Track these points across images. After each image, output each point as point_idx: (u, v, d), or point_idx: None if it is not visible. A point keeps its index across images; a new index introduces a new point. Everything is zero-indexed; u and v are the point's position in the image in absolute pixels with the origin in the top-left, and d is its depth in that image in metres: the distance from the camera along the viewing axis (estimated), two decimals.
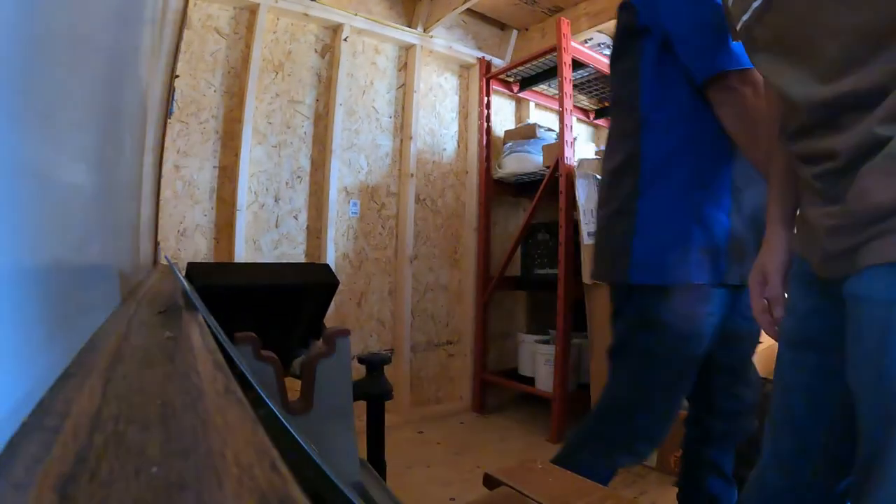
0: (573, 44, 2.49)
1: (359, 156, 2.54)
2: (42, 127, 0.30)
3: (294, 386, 1.12)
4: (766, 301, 0.77)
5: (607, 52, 2.88)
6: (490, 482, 0.79)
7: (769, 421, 0.76)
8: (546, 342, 2.60)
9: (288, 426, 0.38)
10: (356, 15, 2.45)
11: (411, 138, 2.66)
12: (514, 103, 3.16)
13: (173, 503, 0.17)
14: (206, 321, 0.48)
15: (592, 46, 2.78)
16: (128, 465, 0.20)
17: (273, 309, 1.21)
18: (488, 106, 2.90)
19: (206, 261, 2.08)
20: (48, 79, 0.30)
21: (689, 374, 1.05)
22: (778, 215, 0.78)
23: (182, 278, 0.71)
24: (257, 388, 0.44)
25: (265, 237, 2.26)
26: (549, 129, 2.78)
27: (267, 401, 0.40)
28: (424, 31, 2.68)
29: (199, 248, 2.11)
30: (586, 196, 2.24)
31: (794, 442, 0.71)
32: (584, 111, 3.42)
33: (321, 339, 1.08)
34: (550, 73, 2.79)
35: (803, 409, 0.70)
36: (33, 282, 0.28)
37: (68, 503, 0.18)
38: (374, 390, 1.32)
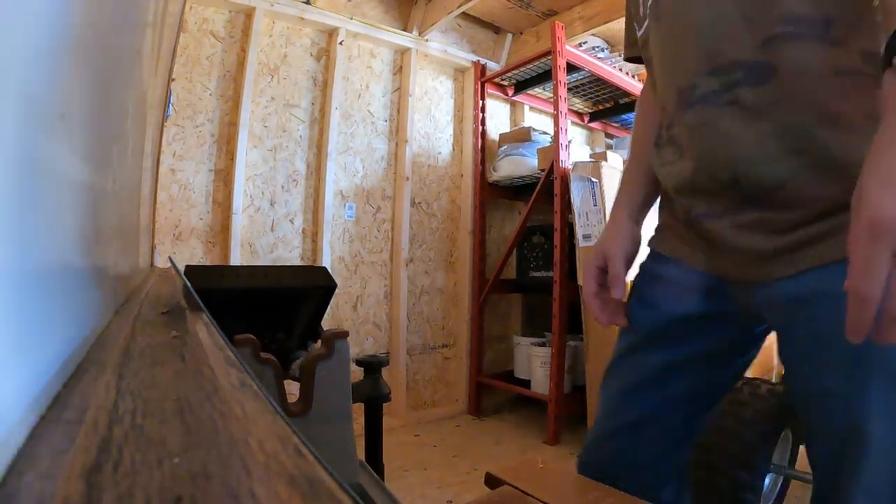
0: (568, 47, 2.51)
1: (354, 159, 2.55)
2: (53, 128, 0.31)
3: (293, 389, 1.12)
4: (598, 285, 0.78)
5: (602, 55, 2.91)
6: (492, 481, 0.80)
7: (608, 404, 0.78)
8: (542, 345, 2.61)
9: (290, 426, 0.38)
10: (352, 19, 2.46)
11: (406, 142, 2.67)
12: (508, 106, 3.18)
13: (200, 490, 0.17)
14: (210, 320, 0.48)
15: (587, 50, 2.80)
16: (150, 456, 0.21)
17: (271, 311, 1.21)
18: (483, 109, 2.91)
19: (203, 264, 2.08)
20: (54, 80, 0.31)
21: None
22: (626, 205, 0.81)
23: (185, 279, 0.71)
24: (260, 389, 0.44)
25: (261, 240, 2.26)
26: (544, 132, 2.80)
27: (271, 402, 0.41)
28: (419, 34, 2.69)
29: (195, 252, 2.10)
30: (581, 199, 2.26)
31: (636, 423, 0.74)
32: (579, 114, 3.45)
33: (319, 342, 1.08)
34: (545, 77, 2.81)
35: (650, 395, 0.73)
36: (48, 279, 0.28)
37: (95, 491, 0.18)
38: (372, 392, 1.32)
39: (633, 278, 0.81)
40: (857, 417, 0.54)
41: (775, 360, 2.81)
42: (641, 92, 0.86)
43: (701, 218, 0.65)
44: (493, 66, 3.01)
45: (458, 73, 2.99)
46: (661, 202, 0.79)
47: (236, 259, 2.14)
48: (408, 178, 2.67)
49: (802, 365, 0.61)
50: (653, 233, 0.81)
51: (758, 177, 0.57)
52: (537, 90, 3.09)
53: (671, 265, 0.74)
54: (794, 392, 0.63)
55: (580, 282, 2.23)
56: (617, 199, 0.84)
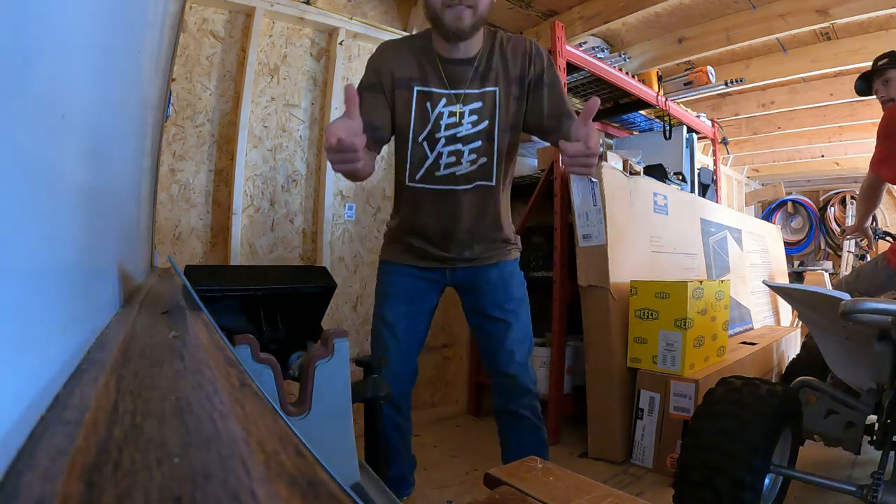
0: (568, 47, 2.50)
1: None
2: (53, 128, 0.31)
3: (292, 389, 1.12)
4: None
5: (602, 55, 2.91)
6: (491, 481, 0.80)
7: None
8: (541, 345, 2.60)
9: (290, 426, 0.38)
10: (351, 19, 2.46)
11: None
12: None
13: (200, 490, 0.17)
14: (210, 320, 0.48)
15: (587, 50, 2.80)
16: (149, 456, 0.21)
17: (271, 312, 1.21)
18: None
19: (203, 264, 2.08)
20: (54, 80, 0.31)
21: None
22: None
23: (185, 279, 0.71)
24: (260, 389, 0.44)
25: (261, 241, 2.26)
26: None
27: (271, 402, 0.41)
28: None
29: (195, 252, 2.10)
30: (581, 199, 2.26)
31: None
32: (579, 114, 3.44)
33: (319, 342, 1.08)
34: None
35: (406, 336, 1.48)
36: (48, 279, 0.28)
37: (95, 491, 0.18)
38: (372, 392, 1.32)
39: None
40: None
41: (775, 360, 2.81)
42: None
43: None
44: None
45: None
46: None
47: (236, 259, 2.13)
48: None
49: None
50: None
51: None
52: None
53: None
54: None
55: (580, 282, 2.23)
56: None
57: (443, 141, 1.32)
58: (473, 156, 1.34)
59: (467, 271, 1.47)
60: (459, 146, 1.33)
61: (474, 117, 1.32)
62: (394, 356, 1.43)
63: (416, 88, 1.31)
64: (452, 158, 1.33)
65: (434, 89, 1.31)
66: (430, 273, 1.47)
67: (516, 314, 1.47)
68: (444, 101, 1.31)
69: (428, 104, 1.31)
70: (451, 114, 1.31)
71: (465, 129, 1.32)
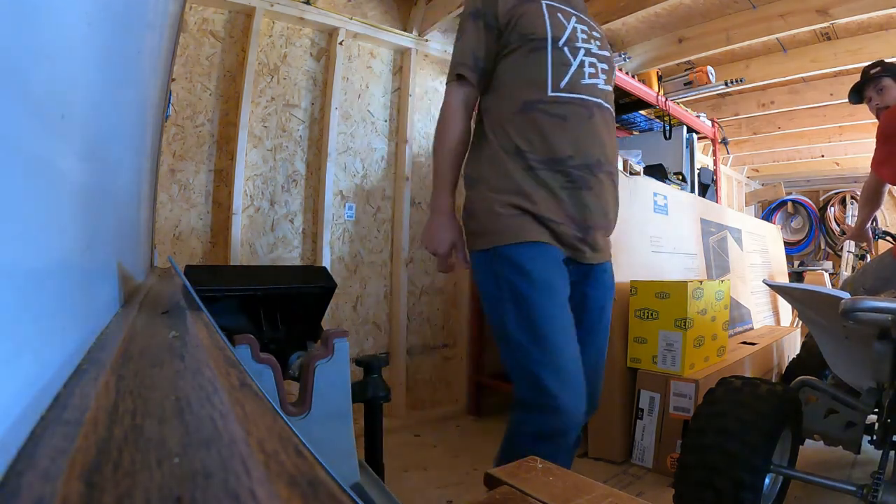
0: None
1: (354, 159, 2.55)
2: (53, 128, 0.31)
3: (292, 389, 1.12)
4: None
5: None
6: (491, 481, 0.80)
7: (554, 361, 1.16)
8: None
9: (290, 426, 0.38)
10: (351, 19, 2.46)
11: (406, 142, 2.67)
12: None
13: (200, 490, 0.17)
14: (210, 320, 0.48)
15: None
16: (149, 456, 0.21)
17: (271, 312, 1.21)
18: None
19: (203, 264, 2.08)
20: (54, 80, 0.31)
21: None
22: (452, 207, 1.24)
23: (185, 279, 0.71)
24: (260, 389, 0.44)
25: (261, 241, 2.26)
26: None
27: (271, 402, 0.41)
28: (419, 35, 2.69)
29: (195, 252, 2.10)
30: None
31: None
32: None
33: (319, 342, 1.09)
34: None
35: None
36: (48, 279, 0.28)
37: (95, 492, 0.18)
38: (372, 392, 1.32)
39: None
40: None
41: (775, 360, 2.81)
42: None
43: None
44: None
45: None
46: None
47: (236, 259, 2.13)
48: (408, 179, 2.67)
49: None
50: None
51: None
52: None
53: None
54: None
55: None
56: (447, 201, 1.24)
57: (583, 51, 1.22)
58: (605, 76, 1.25)
59: (588, 268, 1.25)
60: (595, 61, 1.24)
61: (598, 43, 1.27)
62: (577, 368, 1.15)
63: (544, 2, 1.22)
64: (593, 70, 1.22)
65: (564, 6, 1.25)
66: (566, 266, 1.22)
67: (607, 325, 1.31)
68: (574, 18, 1.24)
69: (560, 15, 1.22)
70: (583, 31, 1.24)
71: (594, 47, 1.25)
